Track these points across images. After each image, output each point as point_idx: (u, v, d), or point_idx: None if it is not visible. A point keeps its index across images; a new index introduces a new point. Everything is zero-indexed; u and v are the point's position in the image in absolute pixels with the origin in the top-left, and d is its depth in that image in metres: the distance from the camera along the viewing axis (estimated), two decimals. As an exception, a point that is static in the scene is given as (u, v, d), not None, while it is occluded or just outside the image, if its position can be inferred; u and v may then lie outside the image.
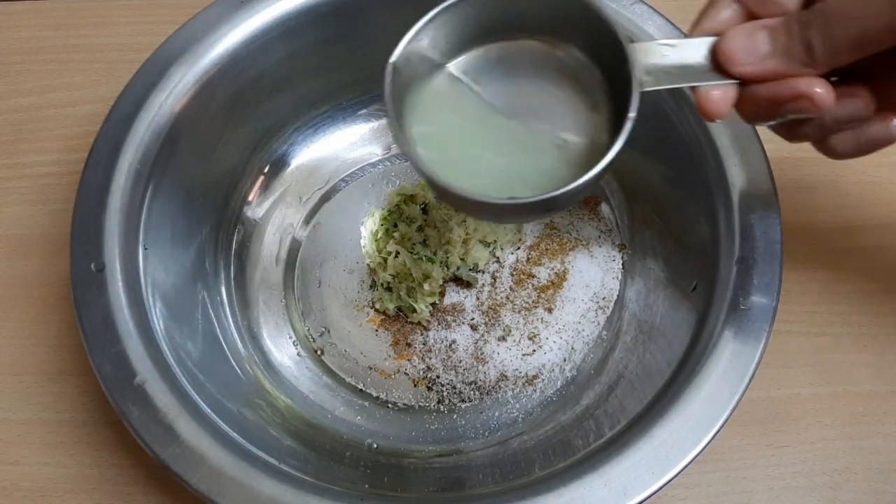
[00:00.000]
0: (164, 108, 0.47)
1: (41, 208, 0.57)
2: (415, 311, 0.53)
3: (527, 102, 0.32)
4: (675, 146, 0.49)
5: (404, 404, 0.51)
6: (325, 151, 0.59)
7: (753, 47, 0.31)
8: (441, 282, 0.53)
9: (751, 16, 0.33)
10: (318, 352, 0.53)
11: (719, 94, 0.33)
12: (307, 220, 0.57)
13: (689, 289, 0.47)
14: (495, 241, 0.54)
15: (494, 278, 0.54)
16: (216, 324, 0.51)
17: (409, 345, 0.53)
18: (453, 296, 0.54)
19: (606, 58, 0.32)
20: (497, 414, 0.51)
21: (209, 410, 0.41)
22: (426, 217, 0.56)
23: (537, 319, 0.53)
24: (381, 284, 0.54)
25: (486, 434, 0.50)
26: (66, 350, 0.52)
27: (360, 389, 0.52)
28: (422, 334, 0.53)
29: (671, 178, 0.51)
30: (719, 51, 0.32)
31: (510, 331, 0.53)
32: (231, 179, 0.55)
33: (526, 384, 0.51)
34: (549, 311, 0.53)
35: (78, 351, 0.51)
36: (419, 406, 0.51)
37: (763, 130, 0.47)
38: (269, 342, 0.53)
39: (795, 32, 0.31)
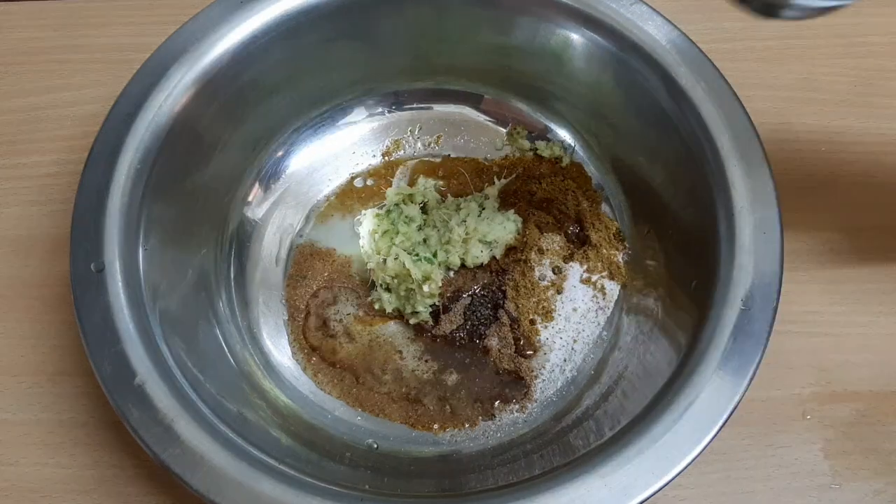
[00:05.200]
0: (163, 108, 0.47)
1: (41, 208, 0.57)
2: (415, 312, 0.52)
3: None
4: (675, 146, 0.49)
5: (404, 404, 0.51)
6: (325, 151, 0.59)
7: None
8: (440, 283, 0.53)
9: None
10: (318, 352, 0.53)
11: None
12: (307, 221, 0.57)
13: (689, 288, 0.47)
14: (495, 240, 0.54)
15: (495, 279, 0.54)
16: (216, 324, 0.51)
17: (409, 345, 0.53)
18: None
19: None
20: (497, 414, 0.51)
21: (209, 411, 0.41)
22: (426, 217, 0.56)
23: (537, 320, 0.53)
24: (381, 285, 0.53)
25: (486, 435, 0.50)
26: (66, 350, 0.52)
27: (360, 390, 0.52)
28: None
29: (671, 178, 0.51)
30: None
31: (510, 331, 0.53)
32: (231, 179, 0.55)
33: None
34: (550, 311, 0.53)
35: (78, 351, 0.51)
36: (419, 406, 0.51)
37: (763, 130, 0.47)
38: (268, 342, 0.53)
39: None
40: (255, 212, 0.57)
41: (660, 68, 0.48)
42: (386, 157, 0.60)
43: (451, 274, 0.54)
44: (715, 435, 0.39)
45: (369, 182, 0.59)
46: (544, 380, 0.52)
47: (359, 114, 0.60)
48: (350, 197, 0.58)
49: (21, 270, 0.55)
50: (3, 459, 0.49)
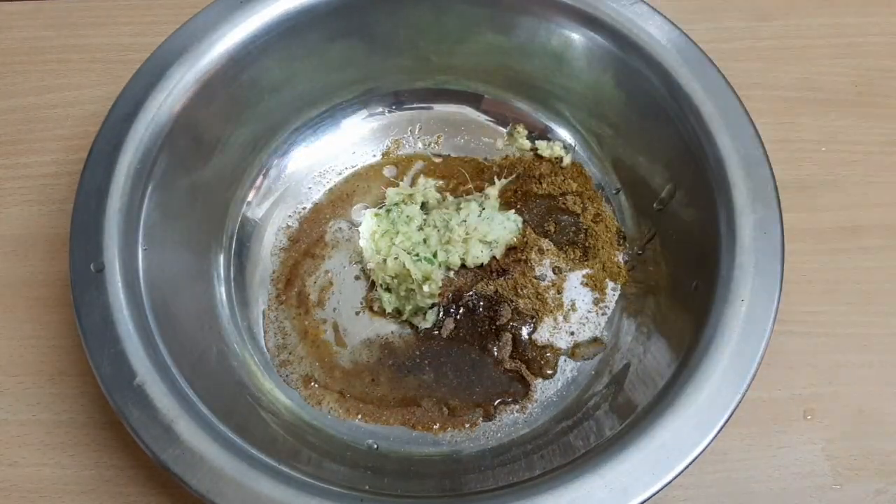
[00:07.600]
0: (163, 108, 0.47)
1: (41, 208, 0.57)
2: (416, 312, 0.52)
3: None
4: (675, 146, 0.49)
5: (404, 405, 0.51)
6: (325, 151, 0.59)
7: None
8: (440, 283, 0.53)
9: None
10: (318, 352, 0.53)
11: None
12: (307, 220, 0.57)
13: (689, 288, 0.47)
14: (495, 240, 0.54)
15: (495, 279, 0.54)
16: (216, 324, 0.51)
17: (409, 345, 0.53)
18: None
19: None
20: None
21: (208, 411, 0.41)
22: (426, 217, 0.56)
23: (538, 320, 0.53)
24: (381, 285, 0.53)
25: (487, 435, 0.50)
26: (66, 350, 0.52)
27: (360, 390, 0.52)
28: (422, 334, 0.53)
29: (671, 178, 0.51)
30: None
31: (510, 331, 0.53)
32: (231, 179, 0.55)
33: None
34: (550, 311, 0.53)
35: (77, 351, 0.51)
36: (419, 406, 0.51)
37: (764, 130, 0.47)
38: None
39: None
40: (255, 212, 0.57)
41: (660, 68, 0.48)
42: (386, 157, 0.59)
43: (451, 274, 0.54)
44: (715, 435, 0.39)
45: (369, 182, 0.58)
46: (544, 380, 0.52)
47: (359, 114, 0.60)
48: (350, 197, 0.58)
49: (21, 270, 0.55)
50: (3, 459, 0.49)
